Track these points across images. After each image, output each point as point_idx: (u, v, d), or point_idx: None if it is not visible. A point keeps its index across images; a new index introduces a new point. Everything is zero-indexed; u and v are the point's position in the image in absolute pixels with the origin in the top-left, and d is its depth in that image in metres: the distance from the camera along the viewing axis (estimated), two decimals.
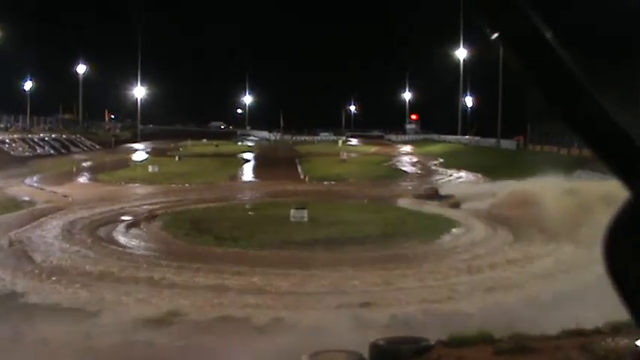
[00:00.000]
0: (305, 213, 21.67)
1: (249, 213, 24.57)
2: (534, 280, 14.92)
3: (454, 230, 20.92)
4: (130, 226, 21.89)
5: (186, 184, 35.92)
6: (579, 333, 9.53)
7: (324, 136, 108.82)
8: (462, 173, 43.35)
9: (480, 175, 39.78)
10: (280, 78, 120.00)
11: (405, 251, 17.85)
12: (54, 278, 14.72)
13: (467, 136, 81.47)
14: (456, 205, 25.79)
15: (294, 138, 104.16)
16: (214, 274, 15.19)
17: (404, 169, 50.90)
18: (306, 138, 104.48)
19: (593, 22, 28.81)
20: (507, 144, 62.58)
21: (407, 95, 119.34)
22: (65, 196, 28.96)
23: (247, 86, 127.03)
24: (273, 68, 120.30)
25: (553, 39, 0.99)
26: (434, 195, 27.95)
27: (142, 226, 21.86)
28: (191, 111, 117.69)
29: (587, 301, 10.53)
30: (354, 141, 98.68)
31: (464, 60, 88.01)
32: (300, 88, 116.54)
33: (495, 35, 1.00)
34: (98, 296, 13.27)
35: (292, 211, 21.79)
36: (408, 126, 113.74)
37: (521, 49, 1.01)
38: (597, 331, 9.57)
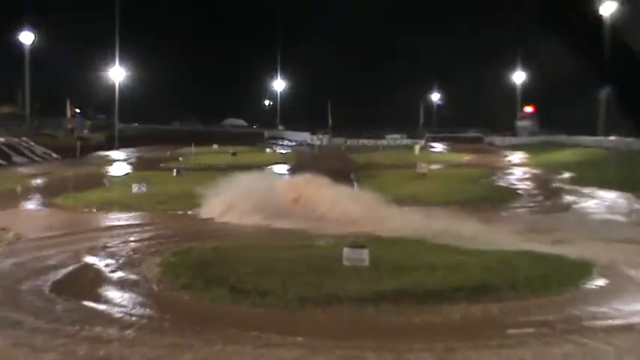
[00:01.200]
0: (365, 253, 21.27)
1: (282, 253, 24.29)
2: None
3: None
4: (103, 275, 21.76)
5: (189, 211, 35.94)
6: None
7: (392, 139, 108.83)
8: (605, 194, 42.54)
9: (631, 196, 39.11)
10: (325, 55, 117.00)
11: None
12: None
13: (612, 137, 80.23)
14: None
15: (348, 142, 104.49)
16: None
17: (513, 187, 50.42)
18: (366, 142, 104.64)
19: None
20: None
21: (518, 77, 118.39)
22: (3, 230, 29.08)
23: (279, 67, 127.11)
24: (316, 41, 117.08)
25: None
26: None
27: (120, 275, 21.70)
28: (196, 104, 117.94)
29: None
30: (437, 146, 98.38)
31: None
32: (355, 68, 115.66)
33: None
34: None
35: (346, 251, 21.42)
36: (520, 123, 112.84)
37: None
38: None
